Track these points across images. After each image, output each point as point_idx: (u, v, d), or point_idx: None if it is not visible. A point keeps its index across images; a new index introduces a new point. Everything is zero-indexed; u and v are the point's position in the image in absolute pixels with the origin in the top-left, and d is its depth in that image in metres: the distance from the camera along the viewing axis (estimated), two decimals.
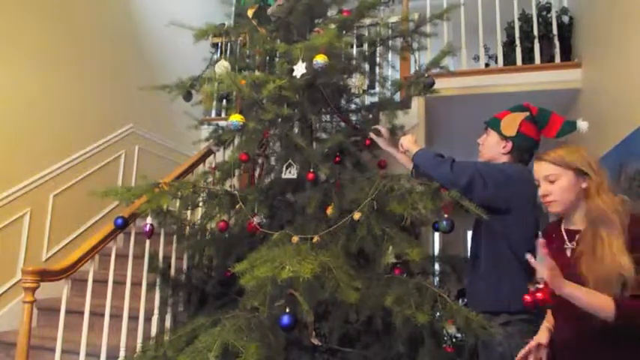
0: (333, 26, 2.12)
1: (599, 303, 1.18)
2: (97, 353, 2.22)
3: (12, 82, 2.98)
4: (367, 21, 2.65)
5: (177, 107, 2.85)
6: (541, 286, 1.22)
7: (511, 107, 1.87)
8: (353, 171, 2.23)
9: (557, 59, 3.55)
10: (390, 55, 2.98)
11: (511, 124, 1.76)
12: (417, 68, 2.36)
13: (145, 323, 2.36)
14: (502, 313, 1.57)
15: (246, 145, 2.09)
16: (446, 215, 1.67)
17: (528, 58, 3.65)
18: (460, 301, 1.83)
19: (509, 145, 1.75)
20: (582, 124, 1.82)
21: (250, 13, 2.33)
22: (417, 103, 3.56)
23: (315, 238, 1.72)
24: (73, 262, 2.15)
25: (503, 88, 3.54)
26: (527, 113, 1.78)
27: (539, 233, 1.51)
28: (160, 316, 2.43)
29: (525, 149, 1.77)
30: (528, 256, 1.21)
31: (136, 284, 2.40)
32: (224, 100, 4.14)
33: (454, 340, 2.05)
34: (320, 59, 1.74)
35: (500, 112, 1.86)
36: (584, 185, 1.37)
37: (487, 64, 4.22)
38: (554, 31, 3.61)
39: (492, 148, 1.80)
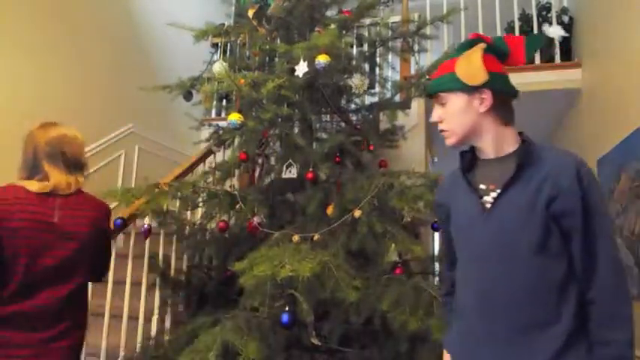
0: (333, 26, 2.12)
1: None
2: (97, 353, 2.22)
3: (12, 82, 2.98)
4: (367, 21, 2.65)
5: (178, 107, 2.85)
6: None
7: (453, 52, 1.23)
8: (353, 171, 2.23)
9: (557, 59, 3.55)
10: (390, 55, 2.98)
11: (473, 67, 1.13)
12: (418, 69, 2.36)
13: (145, 323, 2.36)
14: None
15: (246, 145, 2.09)
16: None
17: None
18: None
19: (488, 94, 1.13)
20: (553, 30, 1.45)
21: (250, 13, 2.33)
22: (417, 104, 3.56)
23: (316, 236, 1.72)
24: None
25: None
26: (483, 44, 1.16)
27: None
28: (160, 316, 2.42)
29: (505, 94, 1.16)
30: None
31: (136, 284, 2.40)
32: (224, 100, 4.15)
33: None
34: (322, 59, 1.75)
35: (442, 63, 1.23)
36: None
37: None
38: None
39: (463, 116, 1.15)
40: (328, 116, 2.44)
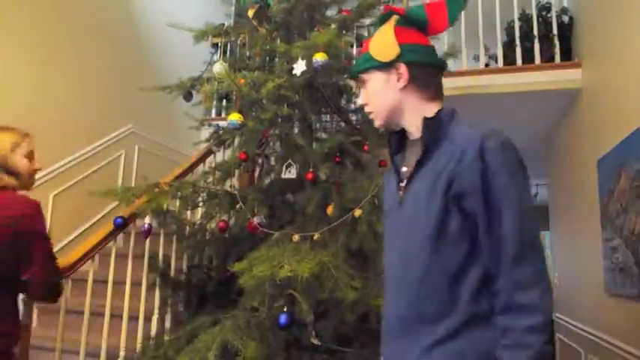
0: (333, 26, 2.12)
1: None
2: (97, 353, 2.22)
3: (12, 83, 2.98)
4: (367, 21, 2.65)
5: (178, 107, 2.85)
6: None
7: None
8: (353, 171, 2.23)
9: (557, 59, 3.55)
10: None
11: (384, 42, 1.08)
12: None
13: (145, 323, 2.36)
14: None
15: (246, 145, 2.09)
16: None
17: (528, 58, 3.65)
18: None
19: (403, 68, 1.06)
20: None
21: (250, 13, 2.33)
22: None
23: (316, 236, 1.72)
24: (73, 262, 2.16)
25: (503, 88, 3.54)
26: (396, 17, 1.11)
27: None
28: (160, 316, 2.43)
29: (425, 67, 1.07)
30: None
31: (136, 284, 2.40)
32: (224, 100, 4.15)
33: None
34: (319, 57, 1.75)
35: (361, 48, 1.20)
36: None
37: (487, 64, 4.23)
38: (554, 31, 3.61)
39: (383, 95, 1.09)
40: (328, 116, 2.44)
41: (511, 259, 0.90)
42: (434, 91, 1.08)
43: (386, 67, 1.07)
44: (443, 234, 0.95)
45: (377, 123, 1.13)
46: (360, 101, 1.16)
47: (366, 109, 1.15)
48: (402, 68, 1.06)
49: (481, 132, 0.96)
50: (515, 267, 0.90)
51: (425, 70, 1.07)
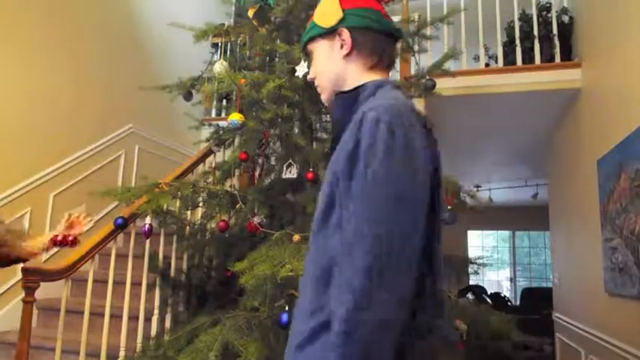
0: None
1: None
2: (97, 353, 2.22)
3: (11, 82, 2.98)
4: None
5: (178, 107, 2.85)
6: None
7: None
8: None
9: (557, 59, 3.55)
10: None
11: (327, 7, 1.00)
12: (418, 69, 2.37)
13: (145, 323, 2.36)
14: None
15: (246, 145, 2.09)
16: (449, 207, 1.66)
17: (528, 58, 3.65)
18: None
19: (345, 34, 0.97)
20: None
21: (250, 13, 2.33)
22: (417, 104, 3.56)
23: None
24: (73, 262, 2.16)
25: (503, 88, 3.54)
26: None
27: None
28: (160, 316, 2.42)
29: (371, 33, 0.97)
30: None
31: (135, 284, 2.40)
32: (224, 100, 4.15)
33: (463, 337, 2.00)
34: None
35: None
36: None
37: (487, 64, 4.23)
38: (555, 30, 3.61)
39: (328, 66, 1.00)
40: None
41: (342, 254, 0.77)
42: (377, 60, 0.98)
43: (329, 33, 0.99)
44: (325, 224, 0.84)
45: (323, 97, 1.03)
46: (309, 76, 1.05)
47: (316, 83, 1.05)
48: (345, 34, 0.97)
49: (367, 106, 0.83)
50: (342, 265, 0.76)
51: (370, 36, 0.97)
